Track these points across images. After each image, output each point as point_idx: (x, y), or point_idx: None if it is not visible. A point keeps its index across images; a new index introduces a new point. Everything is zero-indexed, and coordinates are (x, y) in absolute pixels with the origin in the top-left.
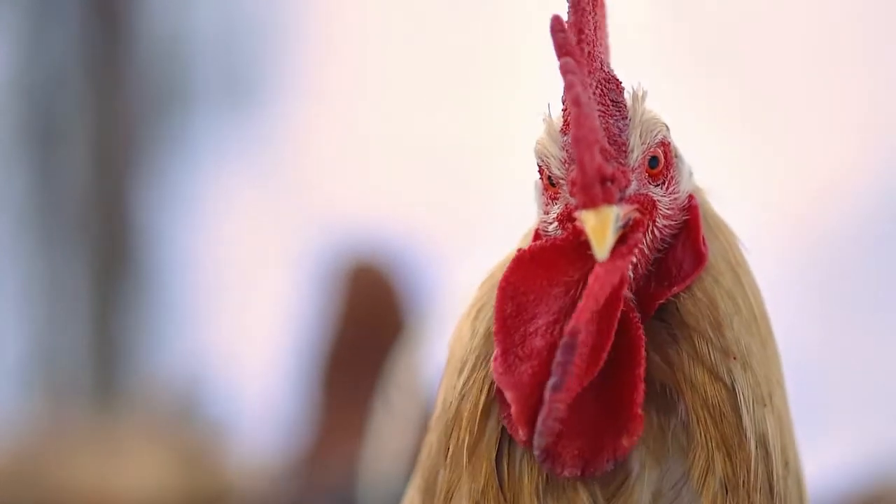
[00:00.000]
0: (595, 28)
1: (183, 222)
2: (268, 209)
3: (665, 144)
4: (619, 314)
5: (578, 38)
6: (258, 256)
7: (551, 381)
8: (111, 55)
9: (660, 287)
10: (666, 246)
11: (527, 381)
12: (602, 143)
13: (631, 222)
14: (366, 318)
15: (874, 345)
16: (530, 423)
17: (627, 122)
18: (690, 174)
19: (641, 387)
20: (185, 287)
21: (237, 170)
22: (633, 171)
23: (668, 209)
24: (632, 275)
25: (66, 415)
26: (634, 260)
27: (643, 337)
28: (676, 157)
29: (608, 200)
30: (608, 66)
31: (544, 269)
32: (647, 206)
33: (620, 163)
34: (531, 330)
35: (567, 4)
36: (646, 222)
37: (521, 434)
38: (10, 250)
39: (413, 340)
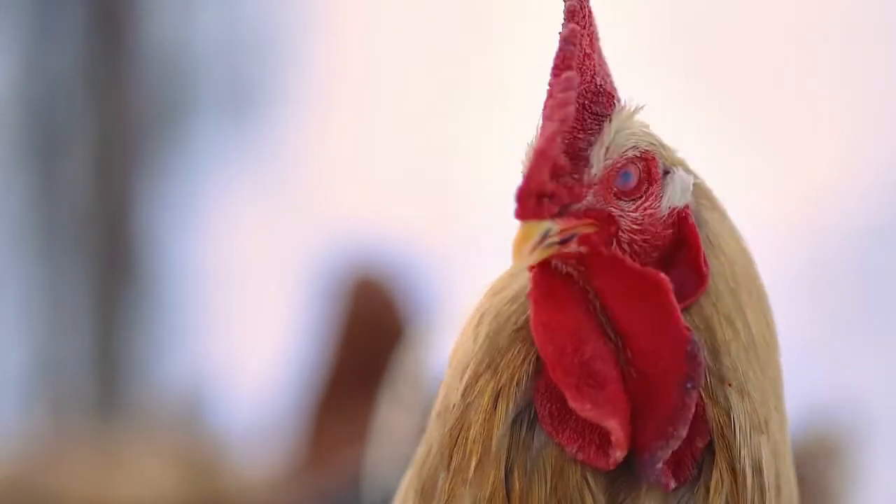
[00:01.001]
0: (591, 39)
1: (185, 232)
2: (270, 219)
3: (647, 159)
4: None
5: (572, 51)
6: (260, 266)
7: (691, 383)
8: (113, 64)
9: None
10: (665, 265)
11: (621, 405)
12: (557, 158)
13: (577, 238)
14: (367, 329)
15: (868, 347)
16: (627, 443)
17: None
18: (686, 189)
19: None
20: (187, 297)
21: (240, 180)
22: (590, 186)
23: (636, 224)
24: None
25: (68, 425)
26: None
27: None
28: (667, 172)
29: (537, 216)
30: (602, 79)
31: (551, 300)
32: (603, 221)
33: (574, 178)
34: (586, 358)
35: (563, 17)
36: (603, 236)
37: (618, 456)
38: (11, 260)
39: (416, 346)
